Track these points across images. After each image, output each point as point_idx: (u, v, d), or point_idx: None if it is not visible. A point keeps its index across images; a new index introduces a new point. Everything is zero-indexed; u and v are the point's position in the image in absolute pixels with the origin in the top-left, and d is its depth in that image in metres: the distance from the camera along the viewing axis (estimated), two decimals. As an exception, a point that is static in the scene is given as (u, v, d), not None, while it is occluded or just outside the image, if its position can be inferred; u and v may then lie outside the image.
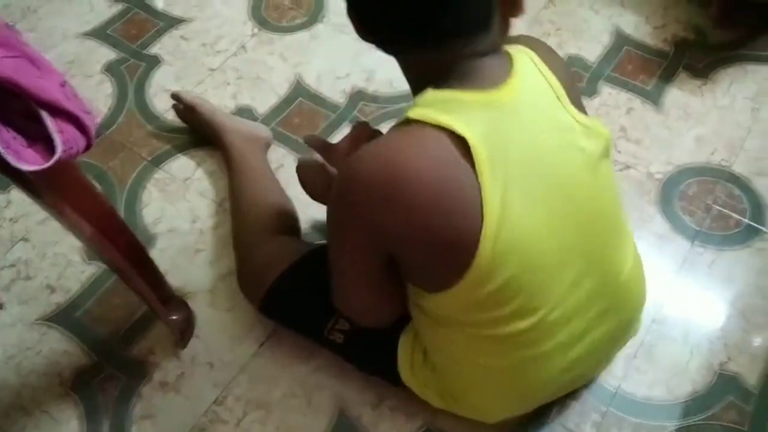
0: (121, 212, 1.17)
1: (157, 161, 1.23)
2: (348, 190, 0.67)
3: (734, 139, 1.21)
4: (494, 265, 0.64)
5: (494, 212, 0.62)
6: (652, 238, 1.10)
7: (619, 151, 1.20)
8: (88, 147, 0.62)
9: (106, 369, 1.02)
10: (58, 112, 0.58)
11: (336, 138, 1.24)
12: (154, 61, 1.37)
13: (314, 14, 1.43)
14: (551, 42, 1.35)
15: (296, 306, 0.96)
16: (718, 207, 1.13)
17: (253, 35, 1.41)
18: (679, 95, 1.27)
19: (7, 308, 1.09)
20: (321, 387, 0.99)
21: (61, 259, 1.13)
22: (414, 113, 0.63)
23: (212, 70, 1.35)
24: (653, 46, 1.34)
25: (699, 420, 0.94)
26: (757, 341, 1.00)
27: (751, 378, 0.97)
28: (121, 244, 0.81)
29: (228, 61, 1.37)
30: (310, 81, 1.33)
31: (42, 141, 0.59)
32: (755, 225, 1.11)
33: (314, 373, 1.00)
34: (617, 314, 0.80)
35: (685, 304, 1.04)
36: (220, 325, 1.05)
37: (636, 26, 1.37)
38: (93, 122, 0.62)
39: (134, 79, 1.35)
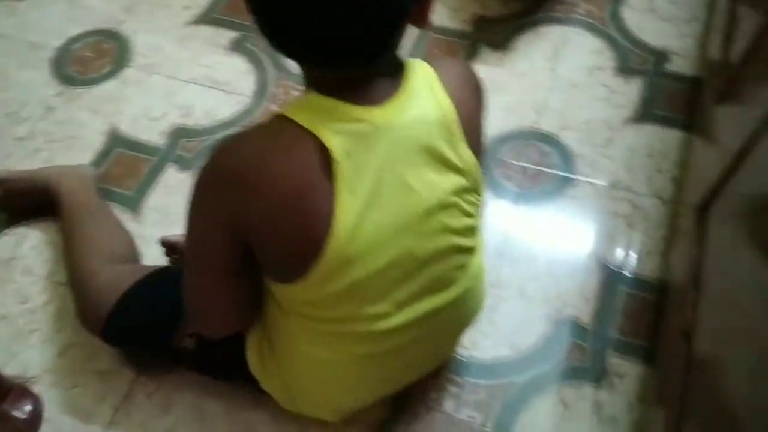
0: (-57, 309, 1.10)
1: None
2: (213, 175, 0.68)
3: (538, 101, 1.28)
4: (338, 270, 0.67)
5: (343, 224, 0.64)
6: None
7: (437, 134, 1.25)
8: None
9: (-48, 478, 0.96)
10: None
11: (160, 182, 1.22)
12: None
13: (119, 60, 1.40)
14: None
15: (140, 325, 0.93)
16: (533, 166, 1.20)
17: (58, 94, 1.35)
18: (484, 70, 1.32)
19: None
20: (182, 437, 0.97)
21: None
22: (290, 112, 0.65)
23: (20, 139, 1.29)
24: (454, 28, 1.40)
25: (546, 367, 1.00)
26: (584, 282, 1.07)
27: (585, 317, 1.04)
28: None
29: (36, 126, 1.31)
30: (126, 128, 1.30)
31: None
32: (568, 175, 1.18)
33: (174, 428, 0.98)
34: (457, 319, 0.85)
35: (515, 263, 1.09)
36: (69, 403, 1.01)
37: (436, 12, 1.42)
38: None
39: (-63, 166, 1.27)
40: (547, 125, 1.25)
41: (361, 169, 0.64)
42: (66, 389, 1.02)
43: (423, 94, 0.67)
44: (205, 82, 1.35)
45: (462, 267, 0.78)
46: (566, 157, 1.21)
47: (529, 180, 1.18)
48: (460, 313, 0.85)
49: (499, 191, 1.17)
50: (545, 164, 1.20)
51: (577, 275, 1.08)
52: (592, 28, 1.39)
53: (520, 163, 1.20)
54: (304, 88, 0.69)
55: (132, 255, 1.08)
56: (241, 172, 0.65)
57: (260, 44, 1.40)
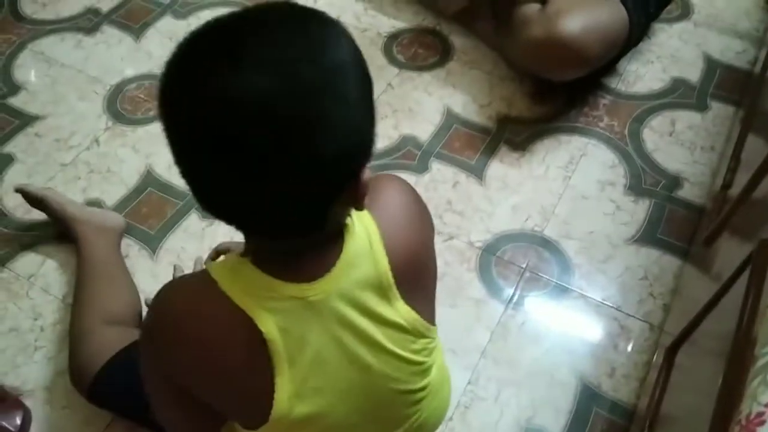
0: (-38, 314, 1.19)
1: (2, 260, 1.26)
2: (149, 337, 0.68)
3: (546, 206, 1.34)
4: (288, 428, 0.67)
5: (283, 397, 0.64)
6: (469, 303, 1.20)
7: (445, 223, 1.31)
8: None
9: (-64, 477, 1.02)
10: None
11: (181, 226, 1.30)
12: (7, 160, 1.41)
13: (168, 106, 1.51)
14: (387, 123, 1.47)
15: (121, 393, 0.99)
16: (529, 270, 1.25)
17: (106, 129, 1.47)
18: (500, 168, 1.40)
19: None
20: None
21: None
22: (224, 281, 0.61)
23: (64, 165, 1.40)
24: (479, 123, 1.48)
25: (508, 475, 1.02)
26: (560, 395, 1.10)
27: (553, 430, 1.06)
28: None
29: (80, 155, 1.42)
30: (161, 170, 1.40)
31: None
32: (563, 285, 1.23)
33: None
34: None
35: (497, 364, 1.13)
36: (56, 423, 1.07)
37: (464, 105, 1.51)
38: None
39: (-15, 178, 1.38)
40: (550, 231, 1.30)
41: (298, 343, 0.63)
42: (56, 408, 1.09)
43: (361, 257, 0.65)
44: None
45: (416, 402, 0.78)
46: (564, 266, 1.25)
47: (524, 282, 1.23)
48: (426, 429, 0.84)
49: (493, 288, 1.22)
50: (542, 270, 1.24)
51: (554, 386, 1.11)
52: (610, 143, 1.44)
53: (518, 265, 1.25)
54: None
55: (132, 318, 1.12)
56: (175, 343, 0.64)
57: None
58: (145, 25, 1.68)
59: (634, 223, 1.31)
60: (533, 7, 1.39)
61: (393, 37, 1.66)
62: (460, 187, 1.37)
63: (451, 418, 1.07)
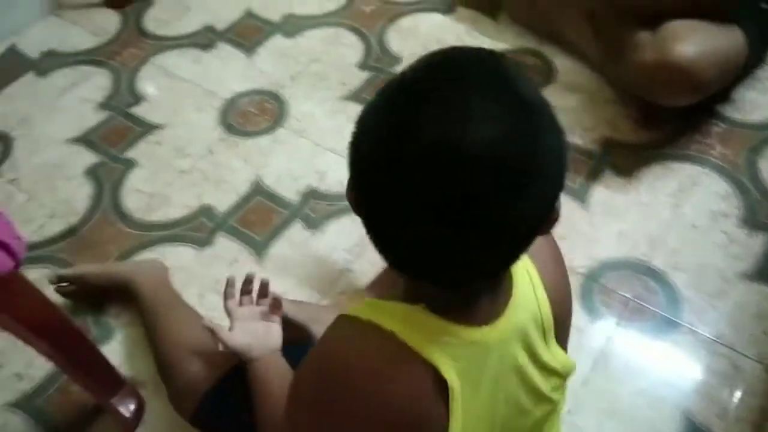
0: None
1: (125, 257, 1.35)
2: (326, 386, 0.63)
3: (654, 234, 1.30)
4: None
5: None
6: (571, 331, 1.17)
7: (546, 246, 1.29)
8: (16, 267, 0.73)
9: (59, 455, 1.11)
10: (-11, 241, 0.69)
11: (285, 235, 1.36)
12: (130, 165, 1.52)
13: (277, 119, 1.58)
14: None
15: (228, 418, 1.00)
16: (635, 300, 1.21)
17: (220, 140, 1.55)
18: (604, 193, 1.37)
19: (-24, 396, 1.18)
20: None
21: (30, 349, 1.23)
22: (401, 331, 0.58)
23: (181, 172, 1.49)
24: (583, 147, 1.45)
25: None
26: (665, 430, 1.05)
27: (659, 468, 1.02)
28: (66, 349, 0.91)
29: (196, 164, 1.51)
30: (269, 181, 1.46)
31: (-22, 265, 0.70)
32: (670, 318, 1.18)
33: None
34: None
35: (599, 394, 1.10)
36: (164, 415, 1.13)
37: (568, 128, 1.47)
38: (21, 247, 0.73)
39: (110, 181, 1.49)
40: (658, 261, 1.26)
41: (474, 390, 0.60)
42: (165, 402, 1.14)
43: (528, 299, 0.64)
44: (343, 153, 1.49)
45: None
46: (672, 298, 1.21)
47: (629, 312, 1.19)
48: None
49: (596, 317, 1.19)
50: (649, 301, 1.20)
51: (657, 422, 1.07)
52: (723, 172, 1.39)
53: (623, 294, 1.22)
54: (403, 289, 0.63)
55: (209, 343, 1.13)
56: (353, 395, 0.60)
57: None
58: (257, 43, 1.77)
59: (748, 258, 1.25)
60: (646, 32, 1.36)
61: (496, 59, 1.67)
62: (562, 211, 1.35)
63: (548, 445, 1.05)
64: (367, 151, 0.53)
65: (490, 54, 0.54)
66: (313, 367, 0.65)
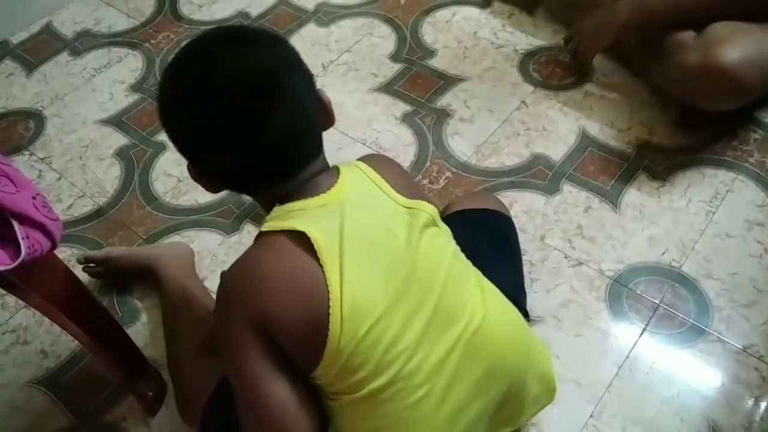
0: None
1: (152, 240, 1.36)
2: (225, 297, 0.79)
3: (686, 241, 1.27)
4: (349, 324, 0.73)
5: (335, 285, 0.74)
6: (596, 333, 1.16)
7: (574, 248, 1.28)
8: (52, 248, 0.74)
9: (81, 432, 1.12)
10: (26, 220, 0.70)
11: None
12: (160, 148, 1.52)
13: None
14: (519, 141, 1.46)
15: (232, 421, 0.93)
16: (664, 306, 1.19)
17: (249, 126, 1.55)
18: (637, 196, 1.35)
19: (3, 370, 1.20)
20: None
21: (56, 327, 1.24)
22: (265, 227, 0.79)
23: (210, 157, 1.49)
24: (616, 148, 1.43)
25: None
26: (691, 442, 1.04)
27: (682, 479, 1.01)
28: (93, 328, 0.92)
29: (225, 149, 1.51)
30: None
31: (14, 244, 0.71)
32: (700, 326, 1.16)
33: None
34: (487, 369, 0.83)
35: (622, 402, 1.08)
36: (187, 397, 1.14)
37: (601, 129, 1.46)
38: (58, 228, 0.74)
39: (140, 163, 1.50)
40: (689, 268, 1.23)
41: (334, 239, 0.75)
42: (188, 385, 1.16)
43: (357, 176, 0.83)
44: (372, 145, 1.49)
45: (461, 301, 0.82)
46: (702, 306, 1.18)
47: (657, 319, 1.17)
48: (491, 356, 0.84)
49: (623, 321, 1.17)
50: (678, 308, 1.18)
51: (682, 431, 1.05)
52: (760, 181, 1.35)
53: (652, 299, 1.20)
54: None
55: None
56: (245, 285, 0.77)
57: (427, 122, 1.52)
58: (290, 31, 1.77)
59: (784, 269, 1.22)
60: (689, 33, 1.32)
61: (530, 55, 1.65)
62: (593, 213, 1.33)
63: (570, 449, 1.04)
64: (178, 109, 0.77)
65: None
66: (224, 282, 0.80)
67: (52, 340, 1.24)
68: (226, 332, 0.78)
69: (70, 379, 1.18)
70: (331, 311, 0.73)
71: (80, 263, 1.29)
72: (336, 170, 0.84)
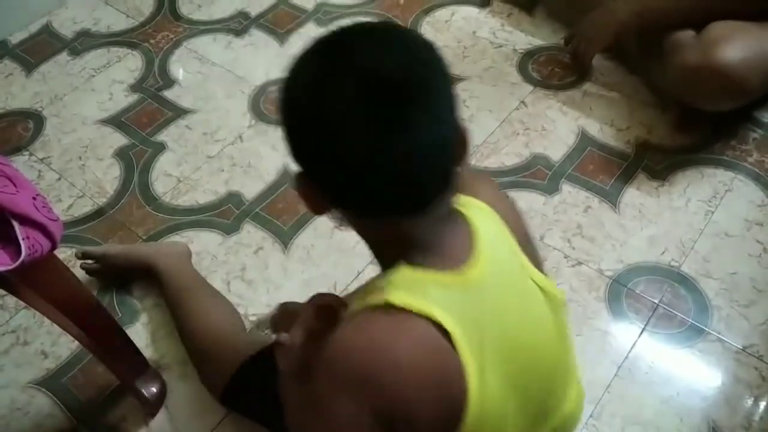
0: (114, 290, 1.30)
1: (151, 240, 1.36)
2: (345, 378, 0.65)
3: (686, 240, 1.27)
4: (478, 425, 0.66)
5: (475, 391, 0.65)
6: (595, 333, 1.16)
7: (574, 248, 1.28)
8: (53, 248, 0.74)
9: (82, 433, 1.12)
10: (27, 221, 0.70)
11: (314, 224, 1.35)
12: (160, 148, 1.52)
13: (306, 108, 1.57)
14: (518, 141, 1.46)
15: (257, 399, 1.02)
16: (663, 306, 1.19)
17: (250, 126, 1.55)
18: (636, 195, 1.35)
19: (3, 371, 1.20)
20: (272, 462, 1.06)
21: (56, 327, 1.24)
22: (395, 298, 0.63)
23: (210, 157, 1.50)
24: (615, 148, 1.43)
25: None
26: (691, 441, 1.04)
27: (682, 478, 1.01)
28: (93, 329, 0.92)
29: (225, 149, 1.51)
30: (296, 170, 1.46)
31: (14, 244, 0.71)
32: (699, 326, 1.16)
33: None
34: None
35: (623, 401, 1.09)
36: (187, 398, 1.14)
37: (601, 128, 1.46)
38: (58, 228, 0.74)
39: (140, 163, 1.50)
40: (688, 268, 1.23)
41: (474, 334, 0.65)
42: (189, 384, 1.15)
43: (493, 237, 0.70)
44: (373, 144, 1.49)
45: (563, 397, 0.79)
46: (701, 306, 1.18)
47: (656, 319, 1.17)
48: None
49: (622, 321, 1.18)
50: (677, 307, 1.18)
51: (682, 431, 1.05)
52: (759, 180, 1.35)
53: (652, 299, 1.20)
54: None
55: (239, 324, 1.17)
56: (382, 372, 0.63)
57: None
58: (290, 31, 1.77)
59: (783, 269, 1.22)
60: (688, 33, 1.33)
61: (529, 55, 1.65)
62: (592, 212, 1.33)
63: (570, 449, 1.04)
64: (307, 97, 0.62)
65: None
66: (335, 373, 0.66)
67: (52, 340, 1.24)
68: (331, 410, 0.66)
69: (70, 379, 1.18)
70: (465, 416, 0.65)
71: (78, 258, 1.29)
72: (464, 219, 0.69)
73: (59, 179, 1.49)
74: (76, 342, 1.21)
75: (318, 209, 0.67)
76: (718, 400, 1.08)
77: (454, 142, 0.65)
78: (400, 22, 1.75)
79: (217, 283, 1.27)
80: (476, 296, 0.66)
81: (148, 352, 1.19)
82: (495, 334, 0.67)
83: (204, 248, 1.34)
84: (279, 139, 1.53)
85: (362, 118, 0.59)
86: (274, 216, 1.38)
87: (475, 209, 0.72)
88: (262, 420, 1.05)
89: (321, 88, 0.61)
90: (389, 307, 0.64)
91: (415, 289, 0.64)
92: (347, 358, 0.65)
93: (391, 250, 0.66)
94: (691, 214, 1.31)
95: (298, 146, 0.64)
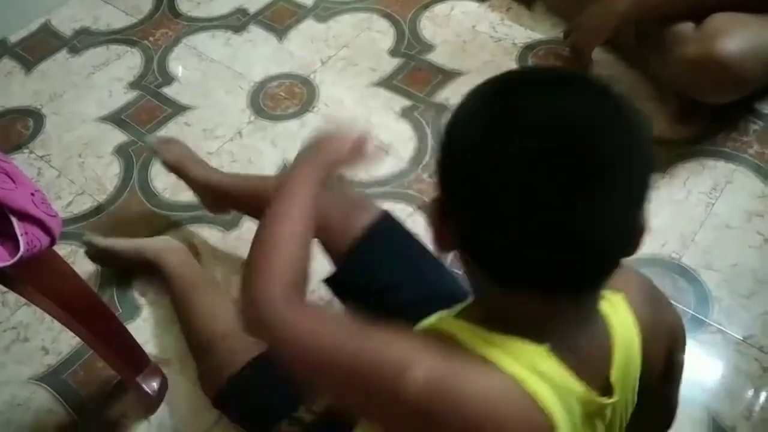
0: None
1: (152, 237, 1.36)
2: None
3: (686, 233, 1.27)
4: None
5: None
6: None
7: (574, 241, 1.27)
8: (51, 244, 0.74)
9: (84, 428, 1.12)
10: (25, 216, 0.70)
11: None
12: (158, 155, 1.53)
13: (306, 104, 1.57)
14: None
15: (248, 405, 0.99)
16: (664, 298, 1.19)
17: (249, 122, 1.55)
18: (636, 188, 1.34)
19: (4, 367, 1.21)
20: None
21: (56, 324, 1.25)
22: (519, 371, 0.53)
23: (210, 153, 1.50)
24: (615, 141, 1.42)
25: None
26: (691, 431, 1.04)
27: (683, 469, 1.01)
28: (94, 325, 0.92)
29: (224, 145, 1.51)
30: (296, 165, 1.46)
31: (13, 240, 0.71)
32: (699, 317, 1.16)
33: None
34: None
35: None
36: (187, 394, 1.15)
37: (601, 121, 1.46)
38: (57, 224, 0.74)
39: (140, 160, 1.50)
40: (689, 260, 1.23)
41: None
42: (190, 381, 1.16)
43: (628, 352, 0.61)
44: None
45: None
46: (702, 297, 1.18)
47: (656, 310, 1.17)
48: None
49: (623, 313, 1.17)
50: (678, 299, 1.18)
51: (684, 422, 1.04)
52: (760, 172, 1.35)
53: (652, 291, 1.19)
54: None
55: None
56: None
57: (427, 117, 1.51)
58: (288, 27, 1.76)
59: (784, 260, 1.22)
60: (687, 25, 1.32)
61: (528, 48, 1.64)
62: (592, 206, 1.33)
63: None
64: (469, 139, 0.53)
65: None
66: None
67: (52, 337, 1.24)
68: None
69: (71, 375, 1.19)
70: None
71: (84, 243, 1.29)
72: (603, 317, 0.60)
73: (59, 176, 1.49)
74: (77, 338, 1.21)
75: (443, 246, 0.58)
76: (718, 391, 1.08)
77: (636, 235, 0.53)
78: (399, 18, 1.75)
79: (217, 279, 1.27)
80: (588, 421, 0.58)
81: (148, 347, 1.19)
82: None
83: (209, 240, 1.34)
84: (278, 135, 1.54)
85: (544, 183, 0.49)
86: (274, 211, 1.38)
87: (618, 308, 0.62)
88: (251, 428, 1.01)
89: (499, 135, 0.51)
90: (511, 380, 0.54)
91: (553, 383, 0.54)
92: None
93: (529, 329, 0.55)
94: (691, 207, 1.31)
95: (451, 180, 0.55)
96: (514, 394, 0.53)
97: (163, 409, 1.13)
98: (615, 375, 0.60)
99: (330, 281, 1.00)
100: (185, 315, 1.17)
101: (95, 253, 1.30)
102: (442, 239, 0.58)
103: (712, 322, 1.15)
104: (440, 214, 0.56)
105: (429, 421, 0.53)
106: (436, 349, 0.55)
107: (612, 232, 0.51)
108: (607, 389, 0.59)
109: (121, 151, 1.52)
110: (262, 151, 1.49)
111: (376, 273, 0.95)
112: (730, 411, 1.06)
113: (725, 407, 1.06)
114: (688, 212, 1.30)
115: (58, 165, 1.51)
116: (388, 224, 1.01)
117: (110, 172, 1.48)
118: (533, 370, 0.54)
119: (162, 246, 1.29)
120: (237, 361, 1.00)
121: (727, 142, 1.41)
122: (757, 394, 1.07)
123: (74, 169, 1.50)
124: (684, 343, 0.75)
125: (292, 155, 1.48)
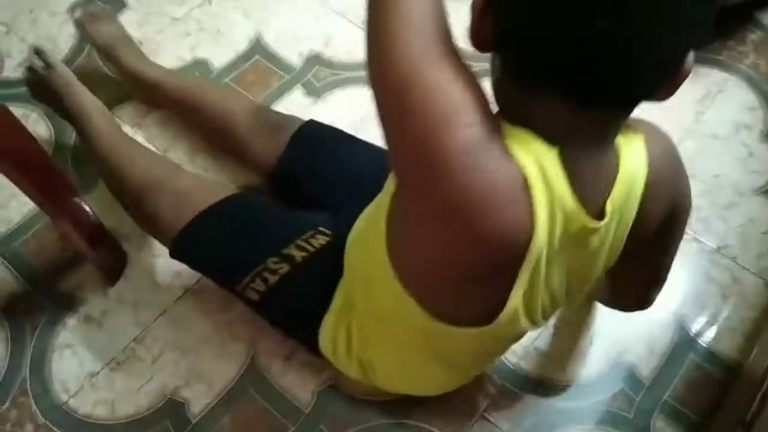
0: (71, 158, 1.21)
1: (111, 104, 1.25)
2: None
3: (674, 140, 1.23)
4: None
5: (518, 297, 0.61)
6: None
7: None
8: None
9: (36, 298, 1.07)
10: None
11: (284, 100, 1.27)
12: (120, 5, 1.38)
13: (284, -27, 1.44)
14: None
15: (212, 254, 0.94)
16: (644, 203, 1.17)
17: (220, -12, 1.42)
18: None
19: (-51, 232, 1.13)
20: (237, 336, 1.04)
21: (5, 190, 1.16)
22: (536, 182, 0.54)
23: (175, 19, 1.37)
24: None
25: (589, 403, 1.00)
26: (656, 335, 1.05)
27: (644, 370, 1.02)
28: (48, 191, 0.84)
29: (192, 12, 1.38)
30: (270, 40, 1.35)
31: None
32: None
33: (233, 323, 1.05)
34: None
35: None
36: (149, 269, 1.10)
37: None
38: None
39: (98, 21, 1.36)
40: (672, 167, 1.20)
41: (550, 258, 0.59)
42: (151, 256, 1.10)
43: (631, 189, 0.62)
44: (354, 18, 1.38)
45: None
46: (681, 204, 1.16)
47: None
48: None
49: (601, 216, 1.15)
50: (657, 206, 1.16)
51: (651, 326, 1.05)
52: (752, 83, 1.31)
53: (632, 196, 1.17)
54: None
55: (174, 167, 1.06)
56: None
57: None
58: None
59: (766, 173, 1.20)
60: None
61: None
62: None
63: (536, 337, 1.04)
64: None
65: None
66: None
67: (1, 202, 1.16)
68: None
69: (22, 245, 1.12)
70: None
71: (34, 53, 1.15)
72: (617, 150, 0.60)
73: (8, 32, 1.35)
74: (28, 207, 1.14)
75: (479, 43, 0.56)
76: (688, 297, 1.08)
77: (674, 69, 0.53)
78: None
79: (181, 155, 1.20)
80: (577, 243, 0.61)
81: (107, 221, 1.12)
82: (561, 268, 0.63)
83: (168, 117, 1.24)
84: (252, 6, 1.41)
85: None
86: (244, 88, 1.28)
87: (636, 147, 0.63)
88: (215, 277, 0.97)
89: None
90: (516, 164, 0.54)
91: (541, 165, 0.54)
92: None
93: (531, 126, 0.55)
94: (681, 114, 1.27)
95: None
96: (514, 188, 0.53)
97: (122, 284, 1.08)
98: (611, 205, 0.60)
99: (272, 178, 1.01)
100: (118, 162, 1.04)
101: (36, 68, 1.15)
102: (478, 38, 0.56)
103: (688, 231, 1.14)
104: (482, 4, 0.55)
105: (431, 173, 0.53)
106: (484, 115, 0.53)
107: (653, 50, 0.49)
108: (599, 217, 0.60)
109: (76, 9, 1.38)
110: (233, 22, 1.37)
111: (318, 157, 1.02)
112: (698, 317, 1.06)
113: (693, 313, 1.07)
114: (677, 119, 1.26)
115: (6, 20, 1.36)
116: (313, 124, 1.06)
117: (65, 33, 1.35)
118: (539, 166, 0.54)
119: (94, 105, 1.13)
120: (192, 204, 0.93)
121: (723, 51, 1.35)
122: (724, 302, 1.08)
123: (25, 26, 1.36)
124: (685, 217, 0.78)
125: (265, 28, 1.38)
